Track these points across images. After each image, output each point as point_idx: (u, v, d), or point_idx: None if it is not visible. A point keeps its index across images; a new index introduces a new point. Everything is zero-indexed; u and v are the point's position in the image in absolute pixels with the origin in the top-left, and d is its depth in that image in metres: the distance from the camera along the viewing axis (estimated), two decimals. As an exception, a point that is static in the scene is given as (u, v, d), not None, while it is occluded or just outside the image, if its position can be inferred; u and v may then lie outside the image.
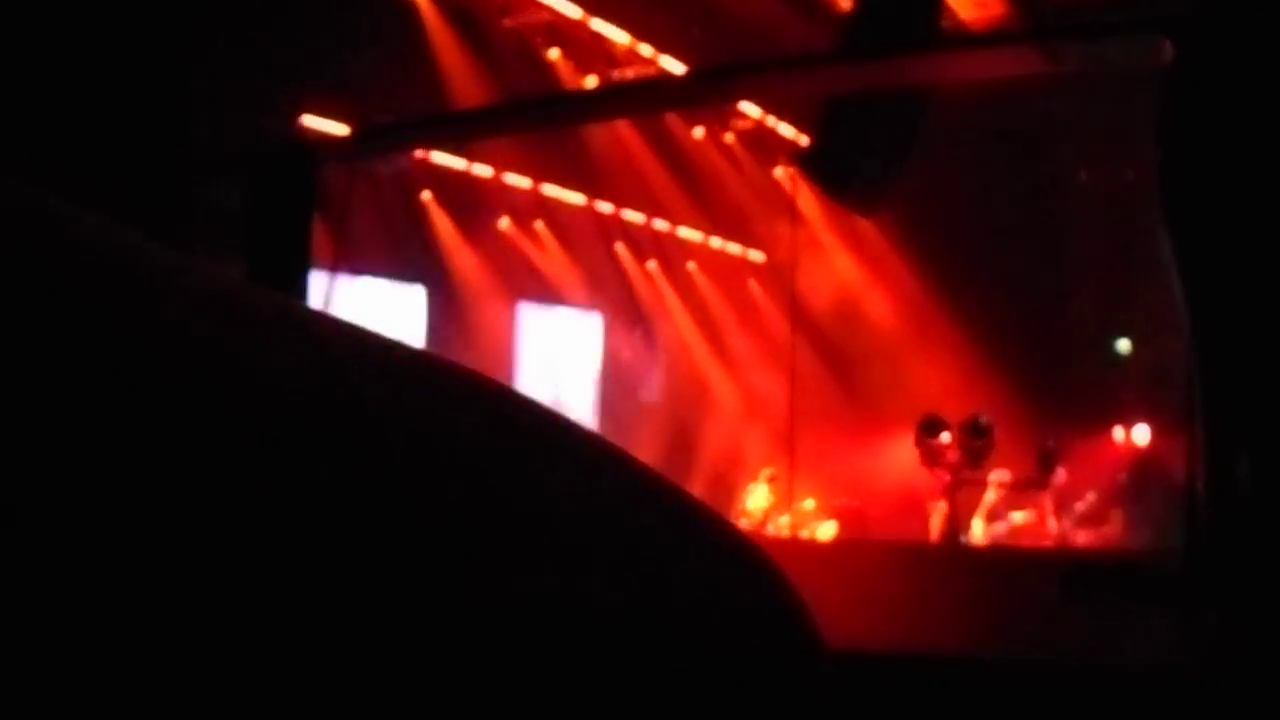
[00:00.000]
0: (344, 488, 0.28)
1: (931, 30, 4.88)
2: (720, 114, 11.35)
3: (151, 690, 0.24)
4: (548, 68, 9.38)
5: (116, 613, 0.24)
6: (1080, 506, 10.40)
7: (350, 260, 7.17)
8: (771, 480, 10.06)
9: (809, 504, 10.77)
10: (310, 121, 7.60)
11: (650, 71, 9.46)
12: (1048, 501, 10.10)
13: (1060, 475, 9.37)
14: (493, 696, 0.29)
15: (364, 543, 0.28)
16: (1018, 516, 9.85)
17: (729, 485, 11.42)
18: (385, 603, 0.28)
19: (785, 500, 9.98)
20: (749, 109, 11.26)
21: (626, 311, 12.47)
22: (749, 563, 0.38)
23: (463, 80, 8.77)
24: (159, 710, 0.24)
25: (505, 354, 10.99)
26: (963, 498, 9.01)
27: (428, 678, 0.28)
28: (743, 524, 9.63)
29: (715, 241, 12.89)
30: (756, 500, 9.97)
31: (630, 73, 9.57)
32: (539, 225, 11.10)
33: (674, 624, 0.33)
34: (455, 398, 0.34)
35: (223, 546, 0.26)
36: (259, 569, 0.26)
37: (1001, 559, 5.15)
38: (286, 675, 0.26)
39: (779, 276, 12.14)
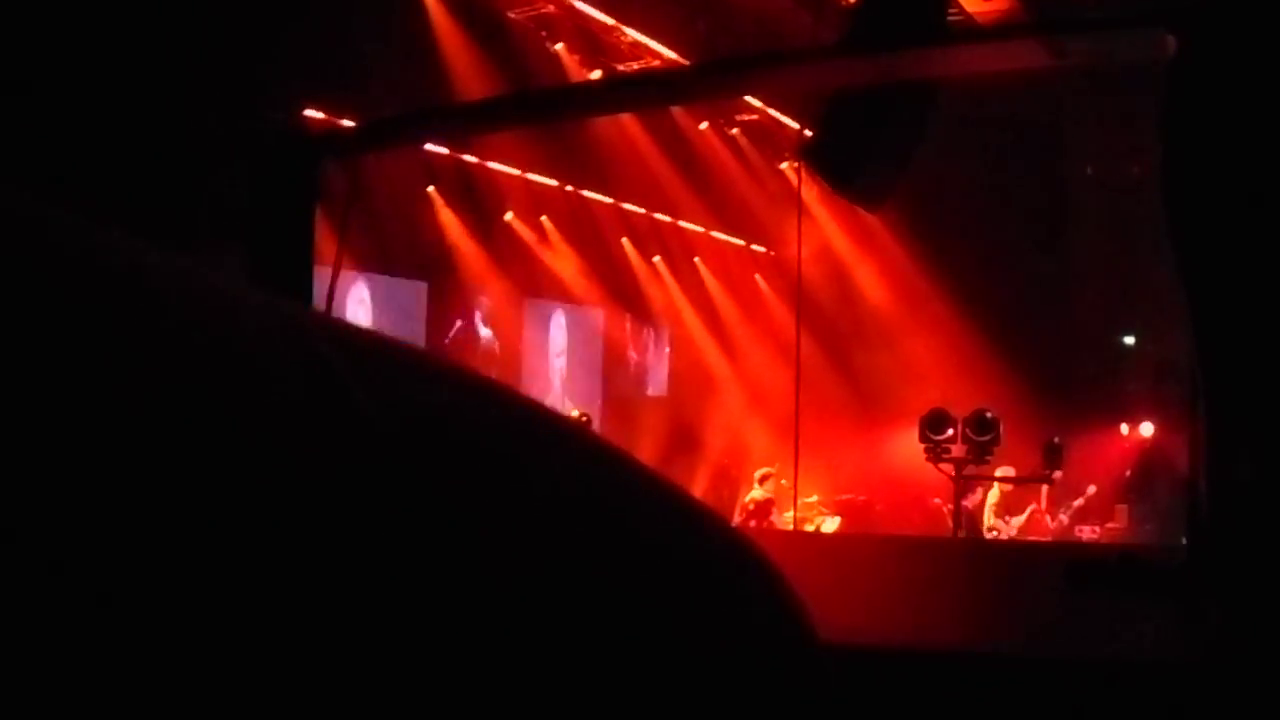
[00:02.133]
0: (335, 488, 0.28)
1: (938, 23, 4.86)
2: (725, 108, 11.31)
3: (148, 691, 0.24)
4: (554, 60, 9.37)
5: (115, 614, 0.24)
6: (1079, 502, 10.31)
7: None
8: (763, 480, 9.99)
9: (813, 499, 10.74)
10: (313, 114, 7.58)
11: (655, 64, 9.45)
12: (1043, 498, 10.00)
13: (1060, 473, 9.16)
14: (489, 695, 0.29)
15: (356, 543, 0.28)
16: (1016, 516, 9.76)
17: (733, 479, 11.40)
18: (380, 601, 0.28)
19: (789, 496, 9.93)
20: (754, 102, 11.23)
21: (631, 305, 12.45)
22: (744, 559, 0.38)
23: (468, 72, 8.76)
24: (155, 711, 0.24)
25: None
26: (968, 493, 8.90)
27: (424, 676, 0.28)
28: (740, 519, 9.61)
29: (720, 235, 12.87)
30: (756, 496, 9.92)
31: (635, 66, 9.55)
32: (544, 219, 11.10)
33: (669, 620, 0.33)
34: (447, 396, 0.34)
35: (215, 548, 0.26)
36: (251, 570, 0.26)
37: (1006, 553, 5.15)
38: (283, 674, 0.26)
39: (784, 270, 12.11)
